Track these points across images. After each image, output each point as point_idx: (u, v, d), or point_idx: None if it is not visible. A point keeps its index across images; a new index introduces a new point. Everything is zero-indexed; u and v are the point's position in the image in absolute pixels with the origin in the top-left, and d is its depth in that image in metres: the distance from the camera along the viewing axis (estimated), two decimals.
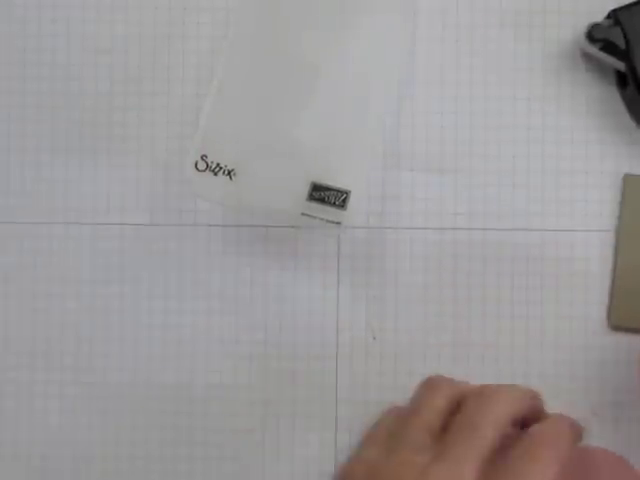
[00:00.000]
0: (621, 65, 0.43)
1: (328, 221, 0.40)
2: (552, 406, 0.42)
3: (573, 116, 0.45)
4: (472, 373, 0.44)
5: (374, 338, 0.45)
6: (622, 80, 0.44)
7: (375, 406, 0.45)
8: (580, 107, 0.45)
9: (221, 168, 0.40)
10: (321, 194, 0.40)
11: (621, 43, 0.42)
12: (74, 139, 0.46)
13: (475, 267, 0.45)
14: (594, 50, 0.43)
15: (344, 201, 0.40)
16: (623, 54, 0.42)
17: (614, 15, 0.43)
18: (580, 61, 0.45)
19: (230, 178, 0.40)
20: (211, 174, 0.40)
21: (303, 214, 0.40)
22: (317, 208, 0.40)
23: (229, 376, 0.45)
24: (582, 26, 0.43)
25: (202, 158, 0.40)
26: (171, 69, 0.46)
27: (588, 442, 0.43)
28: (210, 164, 0.40)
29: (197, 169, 0.40)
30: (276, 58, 0.41)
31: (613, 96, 0.45)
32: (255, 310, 0.45)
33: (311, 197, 0.40)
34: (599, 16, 0.44)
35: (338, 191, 0.40)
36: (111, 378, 0.45)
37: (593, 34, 0.43)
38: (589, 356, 0.45)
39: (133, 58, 0.46)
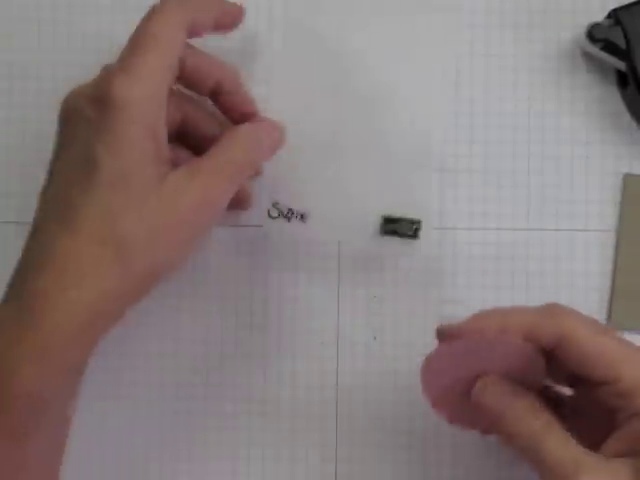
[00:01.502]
0: (622, 65, 0.43)
1: (402, 253, 0.42)
2: None
3: (573, 116, 0.45)
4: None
5: (374, 338, 0.45)
6: (623, 80, 0.44)
7: (375, 406, 0.45)
8: (580, 107, 0.45)
9: (293, 213, 0.41)
10: (393, 226, 0.41)
11: (621, 43, 0.42)
12: None
13: (475, 266, 0.45)
14: (595, 50, 0.43)
15: (416, 231, 0.41)
16: (623, 54, 0.42)
17: (614, 15, 0.43)
18: (580, 61, 0.45)
19: (303, 221, 0.41)
20: (284, 220, 0.41)
21: (376, 249, 0.42)
22: (390, 241, 0.41)
23: (228, 376, 0.45)
24: (582, 26, 0.43)
25: (274, 206, 0.41)
26: None
27: None
28: (282, 210, 0.41)
29: (270, 216, 0.41)
30: (330, 99, 0.42)
31: (613, 96, 0.45)
32: (255, 310, 0.45)
33: (383, 231, 0.41)
34: (599, 16, 0.44)
35: (410, 221, 0.41)
36: (110, 378, 0.45)
37: (594, 34, 0.43)
38: None
39: None
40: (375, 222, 0.41)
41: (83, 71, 0.46)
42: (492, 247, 0.45)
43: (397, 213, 0.41)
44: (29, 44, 0.46)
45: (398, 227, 0.41)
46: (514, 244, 0.45)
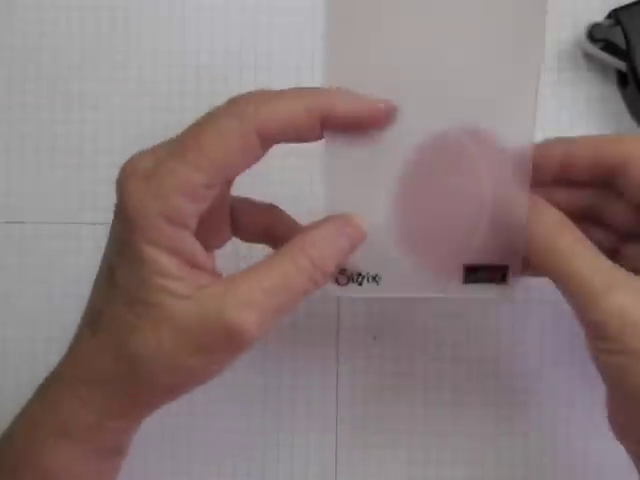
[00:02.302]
0: (622, 65, 0.43)
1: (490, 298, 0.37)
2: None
3: (574, 116, 0.45)
4: (473, 372, 0.44)
5: (374, 338, 0.45)
6: (623, 80, 0.44)
7: (375, 406, 0.45)
8: (581, 107, 0.45)
9: (364, 277, 0.36)
10: (477, 276, 0.36)
11: (622, 43, 0.42)
12: (74, 139, 0.46)
13: None
14: (595, 50, 0.43)
15: (504, 276, 0.36)
16: (624, 54, 0.42)
17: (615, 15, 0.43)
18: (581, 61, 0.45)
19: (377, 283, 0.36)
20: (355, 285, 0.36)
21: (461, 298, 0.38)
22: (475, 288, 0.36)
23: (229, 376, 0.45)
24: (583, 26, 0.43)
25: (341, 273, 0.36)
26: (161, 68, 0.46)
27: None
28: (351, 276, 0.36)
29: (339, 284, 0.36)
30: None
31: (614, 96, 0.45)
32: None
33: (467, 280, 0.36)
34: (599, 16, 0.44)
35: (496, 267, 0.36)
36: None
37: (594, 34, 0.43)
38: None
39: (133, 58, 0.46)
40: (457, 271, 0.36)
41: (84, 72, 0.47)
42: None
43: (481, 260, 0.36)
44: (29, 44, 0.47)
45: (483, 276, 0.36)
46: None
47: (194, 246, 0.32)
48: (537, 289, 0.44)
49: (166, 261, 0.31)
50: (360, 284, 0.36)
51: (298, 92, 0.32)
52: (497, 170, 0.34)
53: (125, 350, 0.32)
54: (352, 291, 0.36)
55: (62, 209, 0.46)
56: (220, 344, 0.31)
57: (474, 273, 0.36)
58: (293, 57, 0.46)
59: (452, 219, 0.35)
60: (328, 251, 0.33)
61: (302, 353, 0.45)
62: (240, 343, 0.31)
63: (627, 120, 0.45)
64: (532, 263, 0.34)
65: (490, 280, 0.36)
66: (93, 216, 0.46)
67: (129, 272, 0.31)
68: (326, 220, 0.34)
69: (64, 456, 0.33)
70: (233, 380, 0.45)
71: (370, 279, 0.36)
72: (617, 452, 0.34)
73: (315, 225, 0.34)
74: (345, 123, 0.32)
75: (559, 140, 0.35)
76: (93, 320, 0.33)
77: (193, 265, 0.32)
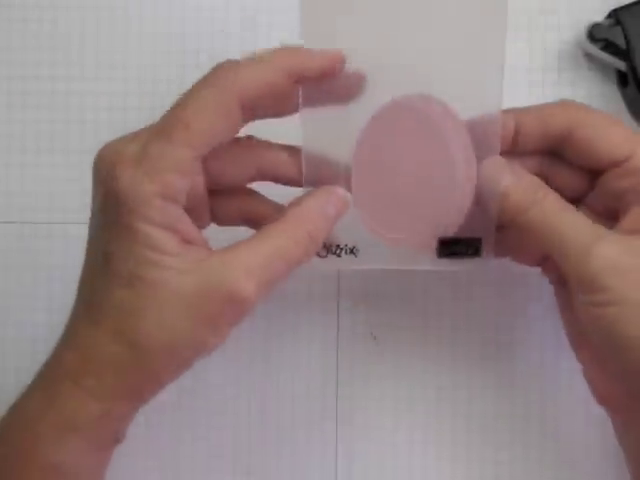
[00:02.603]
0: (622, 65, 0.43)
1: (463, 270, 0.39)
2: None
3: None
4: (473, 371, 0.44)
5: (375, 338, 0.45)
6: (623, 79, 0.44)
7: (375, 406, 0.45)
8: None
9: (342, 249, 0.38)
10: (451, 249, 0.37)
11: (622, 43, 0.43)
12: (74, 139, 0.46)
13: None
14: (595, 50, 0.43)
15: (477, 249, 0.37)
16: (624, 54, 0.43)
17: (615, 15, 0.43)
18: (581, 61, 0.45)
19: (355, 255, 0.38)
20: (334, 257, 0.38)
21: (436, 271, 0.39)
22: (450, 262, 0.37)
23: (229, 375, 0.45)
24: (583, 26, 0.43)
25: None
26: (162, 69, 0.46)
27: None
28: (330, 248, 0.38)
29: (319, 256, 0.38)
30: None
31: (614, 95, 0.45)
32: (254, 309, 0.45)
33: (441, 254, 0.37)
34: (599, 16, 0.44)
35: (469, 240, 0.37)
36: None
37: (594, 34, 0.43)
38: None
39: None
40: (431, 245, 0.37)
41: (84, 72, 0.46)
42: None
43: (455, 233, 0.36)
44: (29, 45, 0.47)
45: (456, 249, 0.37)
46: None
47: (187, 221, 0.33)
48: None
49: (163, 238, 0.32)
50: (339, 256, 0.38)
51: (272, 56, 0.34)
52: (465, 141, 0.35)
53: (130, 333, 0.32)
54: (331, 263, 0.38)
55: (62, 209, 0.46)
56: (222, 313, 0.32)
57: (448, 247, 0.37)
58: None
59: (422, 192, 0.36)
60: (321, 223, 0.35)
61: (303, 353, 0.45)
62: (241, 310, 0.32)
63: (627, 120, 0.45)
64: (516, 223, 0.34)
65: (464, 253, 0.37)
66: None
67: (127, 254, 0.32)
68: (313, 194, 0.36)
69: (67, 450, 0.33)
70: (233, 378, 0.45)
71: (348, 251, 0.38)
72: None
73: (303, 199, 0.35)
74: (319, 79, 0.34)
75: (510, 111, 0.36)
76: (91, 308, 0.33)
77: (188, 240, 0.33)
